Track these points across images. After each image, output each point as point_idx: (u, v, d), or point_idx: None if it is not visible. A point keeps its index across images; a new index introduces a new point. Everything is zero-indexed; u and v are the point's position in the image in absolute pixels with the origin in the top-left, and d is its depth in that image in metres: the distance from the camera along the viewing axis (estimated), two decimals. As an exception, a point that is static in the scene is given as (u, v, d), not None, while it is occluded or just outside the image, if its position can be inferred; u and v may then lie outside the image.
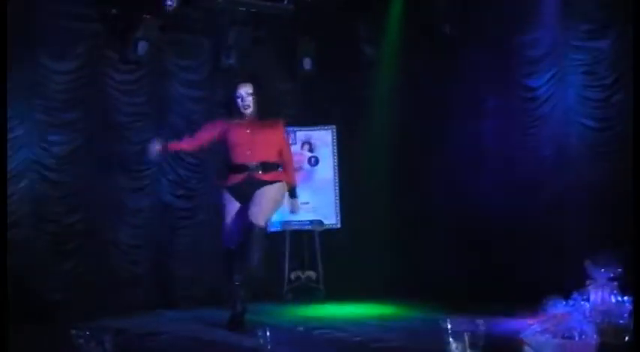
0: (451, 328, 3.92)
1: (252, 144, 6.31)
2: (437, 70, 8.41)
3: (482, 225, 7.90)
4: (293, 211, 6.76)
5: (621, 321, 4.97)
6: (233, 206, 6.35)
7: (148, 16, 7.88)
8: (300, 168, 8.68)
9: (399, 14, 8.65)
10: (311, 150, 8.81)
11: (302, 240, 8.88)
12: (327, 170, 8.80)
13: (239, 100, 6.37)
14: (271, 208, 6.34)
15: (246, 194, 6.26)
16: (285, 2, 8.34)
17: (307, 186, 8.62)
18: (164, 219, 8.30)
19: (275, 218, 8.52)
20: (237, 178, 6.32)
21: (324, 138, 8.72)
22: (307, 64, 8.89)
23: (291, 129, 8.76)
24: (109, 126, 7.99)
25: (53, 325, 6.51)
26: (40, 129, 7.55)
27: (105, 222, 7.91)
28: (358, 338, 5.80)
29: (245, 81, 6.46)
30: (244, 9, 8.28)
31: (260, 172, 6.28)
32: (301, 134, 8.74)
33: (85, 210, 7.76)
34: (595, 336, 4.53)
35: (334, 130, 8.88)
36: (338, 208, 8.59)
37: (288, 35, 8.94)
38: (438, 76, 8.40)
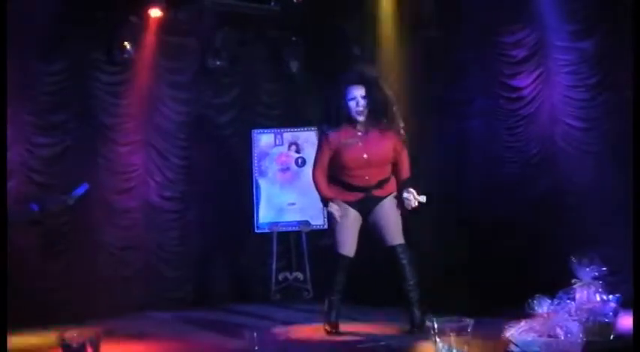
0: (437, 327, 3.95)
1: (368, 169, 5.89)
2: (424, 70, 8.42)
3: (468, 224, 7.92)
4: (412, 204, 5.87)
5: (606, 320, 5.00)
6: (351, 213, 6.01)
7: (134, 18, 7.89)
8: (288, 169, 8.71)
9: (387, 15, 8.67)
10: (298, 151, 8.80)
11: (289, 241, 8.89)
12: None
13: (353, 104, 5.77)
14: (399, 222, 6.03)
15: (363, 209, 6.00)
16: (272, 4, 8.35)
17: (294, 187, 8.65)
18: (152, 221, 8.30)
19: (262, 219, 8.57)
20: (353, 196, 5.98)
21: (311, 139, 8.70)
22: (294, 65, 8.91)
23: (278, 130, 8.80)
24: (96, 127, 8.00)
25: (42, 327, 6.50)
26: (27, 131, 7.54)
27: (93, 224, 7.92)
28: (346, 339, 5.81)
29: (357, 83, 5.84)
30: (230, 10, 8.29)
31: (377, 190, 5.97)
32: (288, 135, 8.75)
33: (72, 212, 7.74)
34: (581, 335, 4.56)
35: (321, 131, 8.84)
36: (325, 209, 8.57)
37: (275, 36, 8.96)
38: (425, 77, 8.40)
